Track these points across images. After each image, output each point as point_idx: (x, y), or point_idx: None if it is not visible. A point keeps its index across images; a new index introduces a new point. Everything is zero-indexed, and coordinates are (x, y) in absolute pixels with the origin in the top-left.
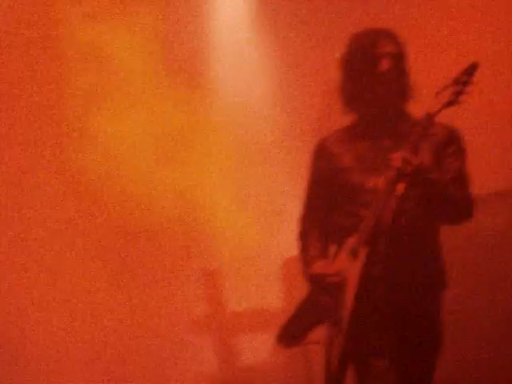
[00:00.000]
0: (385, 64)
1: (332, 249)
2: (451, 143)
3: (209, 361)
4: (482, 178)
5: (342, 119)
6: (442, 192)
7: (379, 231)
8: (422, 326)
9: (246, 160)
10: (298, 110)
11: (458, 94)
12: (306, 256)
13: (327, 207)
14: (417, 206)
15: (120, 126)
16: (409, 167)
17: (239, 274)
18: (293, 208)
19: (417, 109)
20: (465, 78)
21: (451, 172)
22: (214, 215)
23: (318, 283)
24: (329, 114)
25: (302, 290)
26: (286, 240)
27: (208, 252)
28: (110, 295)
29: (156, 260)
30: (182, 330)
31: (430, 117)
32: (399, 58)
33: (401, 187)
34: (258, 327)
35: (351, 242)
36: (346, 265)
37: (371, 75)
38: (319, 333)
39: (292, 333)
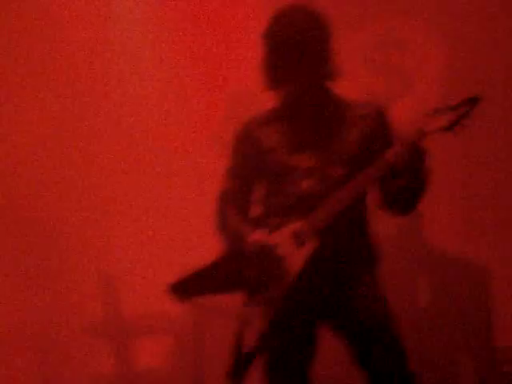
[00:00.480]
0: (302, 40)
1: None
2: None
3: (105, 363)
4: None
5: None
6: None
7: (331, 225)
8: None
9: (149, 165)
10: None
11: (454, 123)
12: (227, 225)
13: (248, 188)
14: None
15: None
16: (402, 162)
17: (138, 278)
18: (195, 215)
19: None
20: (464, 109)
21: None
22: (114, 217)
23: (255, 253)
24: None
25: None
26: (186, 245)
27: (107, 254)
28: (3, 294)
29: (53, 260)
30: (78, 330)
31: (421, 134)
32: (318, 34)
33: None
34: (156, 331)
35: (296, 226)
36: (287, 247)
37: (291, 50)
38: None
39: (190, 287)
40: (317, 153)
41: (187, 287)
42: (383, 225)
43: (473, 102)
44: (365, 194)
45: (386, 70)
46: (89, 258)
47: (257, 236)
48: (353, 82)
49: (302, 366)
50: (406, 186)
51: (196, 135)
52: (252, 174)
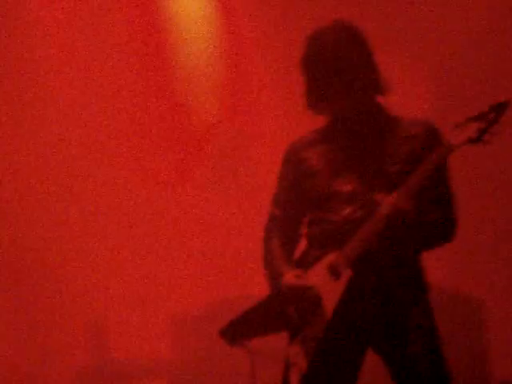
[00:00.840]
0: (341, 64)
1: (298, 256)
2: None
3: None
4: None
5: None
6: (419, 224)
7: (365, 257)
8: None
9: (135, 210)
10: None
11: (483, 131)
12: (269, 264)
13: (294, 214)
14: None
15: None
16: (397, 217)
17: (127, 324)
18: (184, 259)
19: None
20: (492, 116)
21: (433, 193)
22: (104, 261)
23: (289, 293)
24: None
25: (191, 339)
26: (176, 291)
27: (96, 299)
28: None
29: (43, 305)
30: (67, 380)
31: (449, 149)
32: (357, 53)
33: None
34: (146, 376)
35: (333, 258)
36: (323, 282)
37: (331, 74)
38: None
39: (238, 330)
40: (360, 176)
41: (236, 331)
42: None
43: (501, 107)
44: None
45: None
46: (78, 302)
47: (291, 275)
48: None
49: None
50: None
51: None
52: (298, 201)
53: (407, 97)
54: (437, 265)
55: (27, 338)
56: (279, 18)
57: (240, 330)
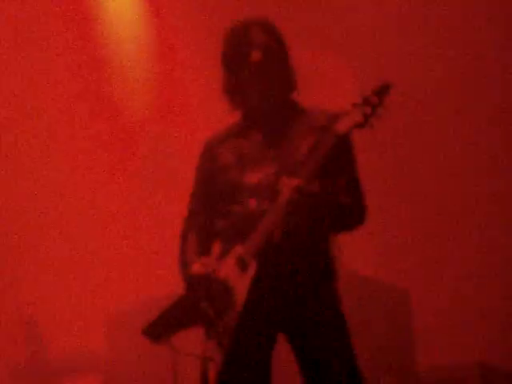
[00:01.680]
0: (255, 55)
1: (216, 250)
2: (342, 149)
3: None
4: None
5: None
6: (330, 206)
7: (269, 246)
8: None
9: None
10: None
11: (368, 116)
12: (183, 256)
13: (208, 208)
14: (306, 218)
15: None
16: (299, 196)
17: (60, 321)
18: (119, 253)
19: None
20: (376, 99)
21: (342, 180)
22: (34, 260)
23: (197, 282)
24: None
25: (124, 334)
26: (110, 288)
27: (26, 298)
28: None
29: None
30: (1, 378)
31: (337, 138)
32: (273, 48)
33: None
34: (81, 372)
35: (239, 250)
36: (232, 274)
37: (244, 67)
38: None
39: (159, 328)
40: (267, 168)
41: (157, 328)
42: None
43: (383, 90)
44: None
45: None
46: (10, 299)
47: (198, 264)
48: None
49: None
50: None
51: (114, 172)
52: (212, 196)
53: (335, 91)
54: (363, 257)
55: None
56: (209, 16)
57: (161, 327)
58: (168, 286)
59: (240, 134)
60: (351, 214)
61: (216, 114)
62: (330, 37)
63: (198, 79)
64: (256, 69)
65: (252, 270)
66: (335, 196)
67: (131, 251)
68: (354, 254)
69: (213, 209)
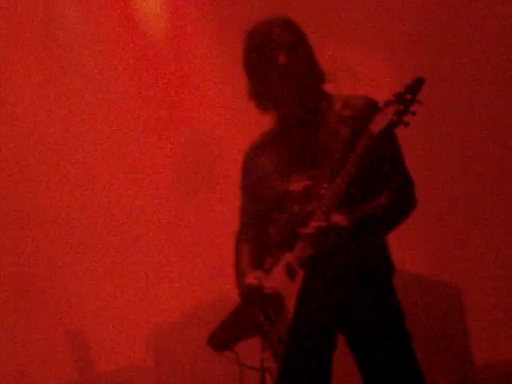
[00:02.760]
0: (281, 58)
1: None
2: (379, 143)
3: None
4: None
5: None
6: (369, 228)
7: (315, 255)
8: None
9: (113, 217)
10: None
11: (402, 114)
12: (237, 269)
13: (258, 219)
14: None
15: None
16: (323, 238)
17: (107, 336)
18: (164, 267)
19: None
20: (408, 96)
21: (382, 176)
22: (82, 272)
23: (250, 295)
24: None
25: (171, 347)
26: (154, 296)
27: (75, 313)
28: None
29: (24, 320)
30: None
31: (372, 139)
32: (298, 47)
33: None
34: None
35: (287, 258)
36: (282, 283)
37: (272, 71)
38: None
39: (221, 339)
40: (306, 171)
41: (219, 338)
42: None
43: (416, 86)
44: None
45: None
46: (58, 316)
47: (250, 277)
48: None
49: None
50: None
51: (157, 180)
52: (259, 206)
53: (371, 86)
54: (416, 254)
55: (8, 353)
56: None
57: (222, 337)
58: (214, 293)
59: (276, 140)
60: (397, 210)
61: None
62: (363, 32)
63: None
64: (284, 71)
65: (299, 278)
66: (376, 196)
67: (173, 263)
68: (405, 251)
69: (262, 218)
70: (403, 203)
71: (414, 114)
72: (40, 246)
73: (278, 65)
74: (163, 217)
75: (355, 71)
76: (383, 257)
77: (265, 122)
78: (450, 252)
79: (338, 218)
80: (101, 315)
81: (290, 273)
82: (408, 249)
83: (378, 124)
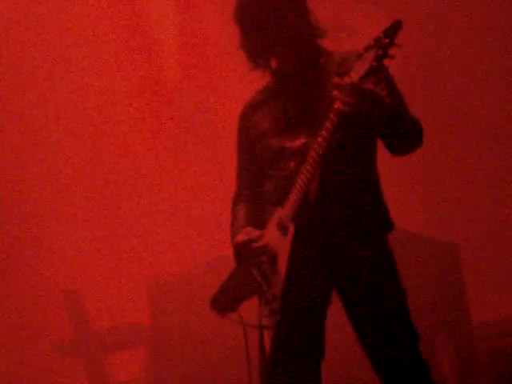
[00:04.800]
0: (276, 14)
1: (264, 217)
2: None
3: (79, 382)
4: None
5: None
6: (397, 115)
7: (306, 206)
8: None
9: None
10: None
11: (381, 58)
12: (232, 228)
13: (254, 179)
14: (349, 156)
15: None
16: (351, 99)
17: (103, 293)
18: (158, 224)
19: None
20: (387, 40)
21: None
22: (74, 231)
23: (242, 252)
24: None
25: (168, 303)
26: (151, 253)
27: (68, 272)
28: None
29: (15, 280)
30: (47, 354)
31: (353, 86)
32: (292, 1)
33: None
34: (129, 342)
35: (279, 214)
36: (275, 239)
37: (267, 27)
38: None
39: (223, 302)
40: (303, 129)
41: (221, 302)
42: None
43: (393, 29)
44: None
45: None
46: (53, 275)
47: (242, 233)
48: None
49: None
50: (386, 130)
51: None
52: (256, 165)
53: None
54: (411, 212)
55: (2, 314)
56: None
57: (224, 300)
58: (207, 253)
59: (273, 98)
60: (413, 130)
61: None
62: None
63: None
64: (280, 27)
65: (290, 234)
66: (399, 108)
67: (172, 218)
68: (401, 209)
69: (258, 177)
70: (418, 130)
71: (392, 57)
72: (28, 205)
73: (281, 21)
74: (161, 173)
75: (356, 29)
76: (380, 212)
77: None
78: (446, 209)
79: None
80: (95, 274)
81: (282, 228)
82: (403, 205)
83: (359, 70)
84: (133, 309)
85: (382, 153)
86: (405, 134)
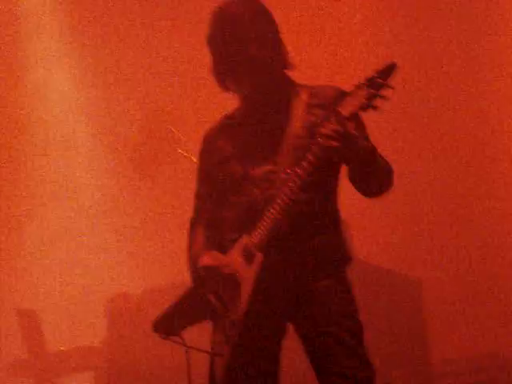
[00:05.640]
0: (248, 46)
1: (223, 243)
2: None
3: None
4: None
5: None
6: (372, 160)
7: (275, 237)
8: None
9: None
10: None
11: (372, 98)
12: (190, 252)
13: (214, 202)
14: (317, 189)
15: None
16: (339, 137)
17: (60, 313)
18: (117, 246)
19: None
20: (380, 81)
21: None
22: (33, 253)
23: (206, 275)
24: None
25: (126, 326)
26: (109, 277)
27: (25, 291)
28: None
29: None
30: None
31: (342, 119)
32: (264, 33)
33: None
34: (81, 366)
35: (245, 241)
36: (239, 266)
37: (237, 56)
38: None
39: (168, 324)
40: (269, 156)
41: (167, 324)
42: None
43: (388, 71)
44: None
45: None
46: (10, 293)
47: (207, 256)
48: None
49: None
50: (359, 170)
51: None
52: (216, 189)
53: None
54: (377, 247)
55: None
56: None
57: (170, 322)
58: (169, 276)
59: (239, 124)
60: (385, 174)
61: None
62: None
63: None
64: (249, 58)
65: (258, 261)
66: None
67: (133, 242)
68: (366, 243)
69: (218, 202)
70: (389, 174)
71: (384, 98)
72: None
73: (244, 51)
74: (120, 198)
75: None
76: (339, 244)
77: (226, 103)
78: (409, 244)
79: (353, 129)
80: (53, 296)
81: (248, 256)
82: (368, 239)
83: (347, 107)
84: (88, 333)
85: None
86: (378, 176)
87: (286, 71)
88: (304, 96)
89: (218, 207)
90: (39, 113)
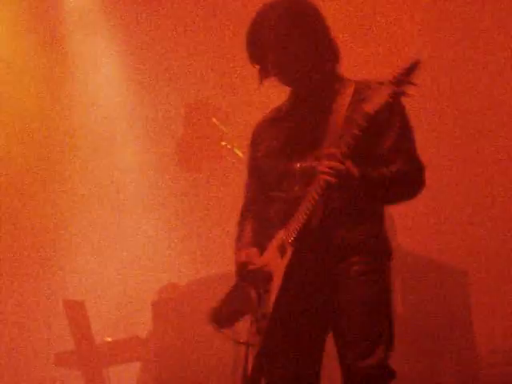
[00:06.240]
0: (288, 46)
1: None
2: (384, 110)
3: None
4: None
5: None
6: (375, 187)
7: (306, 231)
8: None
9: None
10: None
11: (397, 95)
12: (237, 242)
13: (261, 196)
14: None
15: None
16: (335, 178)
17: (104, 305)
18: (165, 238)
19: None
20: (405, 78)
21: (387, 143)
22: (79, 245)
23: (239, 272)
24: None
25: (173, 317)
26: (157, 269)
27: (74, 283)
28: None
29: (16, 292)
30: (48, 364)
31: (367, 116)
32: (308, 22)
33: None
34: (128, 357)
35: (280, 236)
36: (273, 260)
37: (280, 57)
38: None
39: (220, 317)
40: (311, 152)
41: (218, 317)
42: None
43: (412, 68)
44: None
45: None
46: (56, 285)
47: (242, 254)
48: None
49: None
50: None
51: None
52: (261, 183)
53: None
54: (421, 237)
55: (7, 324)
56: None
57: (222, 315)
58: (216, 267)
59: (285, 117)
60: (403, 183)
61: None
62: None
63: None
64: (293, 56)
65: (288, 256)
66: (375, 171)
67: (180, 234)
68: (411, 233)
69: (265, 196)
70: (412, 179)
71: (409, 95)
72: (39, 218)
73: (292, 46)
74: (166, 192)
75: None
76: (378, 237)
77: (269, 96)
78: (456, 234)
79: (351, 166)
80: (100, 287)
81: (282, 250)
82: (414, 230)
83: (372, 103)
84: (135, 324)
85: None
86: (387, 192)
87: (336, 66)
88: (349, 91)
89: (264, 200)
90: (88, 113)
